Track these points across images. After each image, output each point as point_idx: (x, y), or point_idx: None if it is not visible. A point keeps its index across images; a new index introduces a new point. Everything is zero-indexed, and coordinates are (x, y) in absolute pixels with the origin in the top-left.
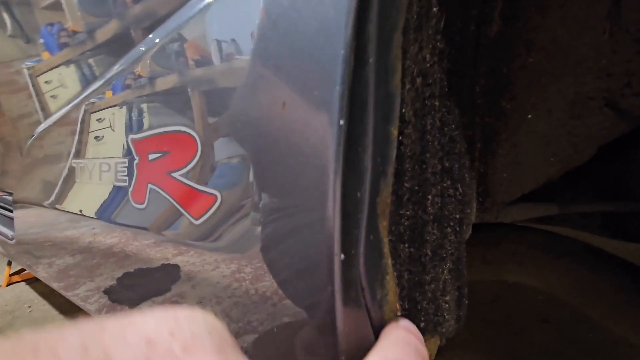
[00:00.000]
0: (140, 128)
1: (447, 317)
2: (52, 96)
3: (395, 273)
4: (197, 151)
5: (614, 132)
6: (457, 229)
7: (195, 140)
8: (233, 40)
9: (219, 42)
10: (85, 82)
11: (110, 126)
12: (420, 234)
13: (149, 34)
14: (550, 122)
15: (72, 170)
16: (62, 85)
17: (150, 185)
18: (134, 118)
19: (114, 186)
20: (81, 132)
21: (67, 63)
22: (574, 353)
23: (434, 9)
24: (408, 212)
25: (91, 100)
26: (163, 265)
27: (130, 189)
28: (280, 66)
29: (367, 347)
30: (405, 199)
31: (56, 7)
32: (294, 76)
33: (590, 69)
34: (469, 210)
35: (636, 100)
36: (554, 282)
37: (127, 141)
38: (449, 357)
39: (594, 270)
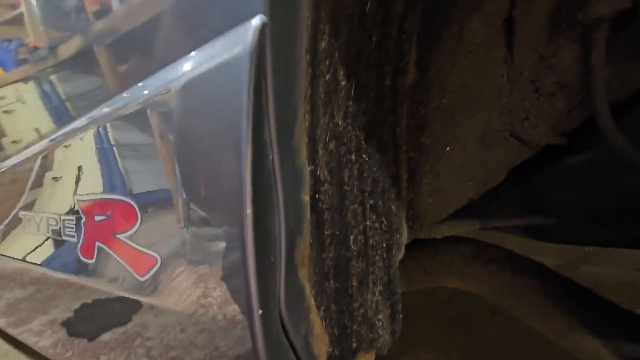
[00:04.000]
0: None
1: (381, 333)
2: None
3: (322, 307)
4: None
5: (519, 158)
6: (385, 255)
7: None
8: None
9: None
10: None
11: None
12: (345, 269)
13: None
14: (465, 153)
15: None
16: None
17: (97, 243)
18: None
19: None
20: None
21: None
22: (521, 341)
23: (342, 83)
24: (331, 254)
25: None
26: (123, 295)
27: (79, 245)
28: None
29: None
30: (326, 244)
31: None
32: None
33: (494, 107)
34: (397, 236)
35: (534, 132)
36: (483, 286)
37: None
38: (411, 356)
39: (514, 274)
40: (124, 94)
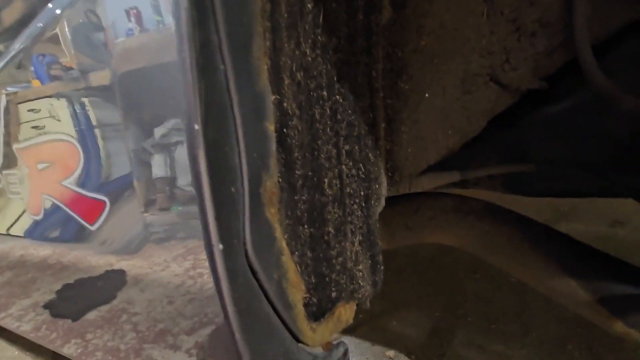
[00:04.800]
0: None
1: (362, 284)
2: None
3: (297, 252)
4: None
5: (500, 105)
6: (364, 204)
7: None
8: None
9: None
10: None
11: None
12: (320, 215)
13: None
14: (445, 99)
15: None
16: None
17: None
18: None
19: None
20: None
21: None
22: (500, 297)
23: (308, 5)
24: (304, 197)
25: None
26: (106, 272)
27: (26, 201)
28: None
29: (267, 320)
30: (298, 185)
31: None
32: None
33: (474, 49)
34: (376, 186)
35: (514, 75)
36: (464, 238)
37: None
38: (395, 317)
39: (494, 224)
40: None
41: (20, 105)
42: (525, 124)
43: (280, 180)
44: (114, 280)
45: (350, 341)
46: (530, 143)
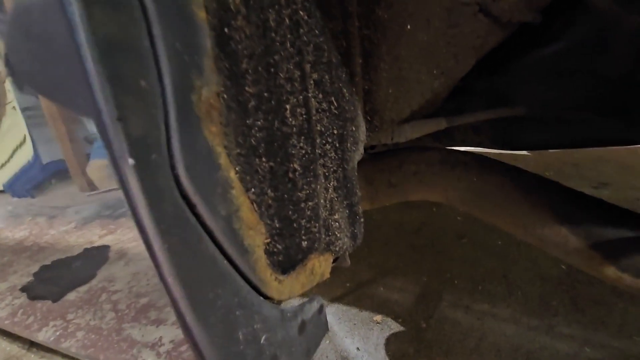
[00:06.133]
0: None
1: (339, 235)
2: None
3: (253, 190)
4: None
5: (489, 41)
6: (338, 145)
7: None
8: None
9: None
10: None
11: None
12: (282, 147)
13: None
14: (429, 32)
15: None
16: None
17: None
18: None
19: None
20: None
21: None
22: (486, 260)
23: None
24: (259, 122)
25: None
26: (86, 250)
27: None
28: None
29: (211, 263)
30: (250, 106)
31: None
32: None
33: None
34: (352, 128)
35: (505, 5)
36: (450, 193)
37: None
38: (382, 284)
39: (482, 175)
40: None
41: None
42: (516, 68)
43: (224, 95)
44: (95, 258)
45: (337, 309)
46: (522, 88)
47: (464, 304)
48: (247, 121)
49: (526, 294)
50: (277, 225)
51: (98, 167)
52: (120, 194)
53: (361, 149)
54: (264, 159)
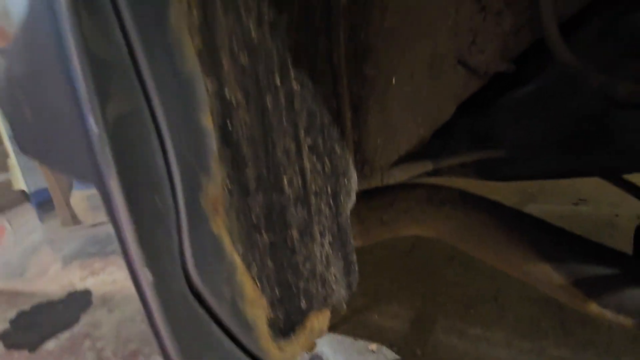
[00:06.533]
0: None
1: (335, 288)
2: None
3: (254, 264)
4: None
5: (468, 89)
6: (332, 202)
7: None
8: None
9: None
10: None
11: None
12: (281, 217)
13: None
14: (413, 84)
15: None
16: None
17: None
18: None
19: None
20: None
21: None
22: (477, 281)
23: None
24: (260, 200)
25: None
26: (69, 294)
27: None
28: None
29: (218, 348)
30: (252, 187)
31: None
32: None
33: (440, 30)
34: (345, 181)
35: (482, 57)
36: (439, 229)
37: None
38: (376, 311)
39: (468, 213)
40: None
41: None
42: (494, 109)
43: (228, 182)
44: (78, 302)
45: (332, 338)
46: (500, 128)
47: (457, 329)
48: (249, 200)
49: (517, 316)
50: (278, 293)
51: (81, 198)
52: (106, 229)
53: (353, 198)
54: (264, 233)
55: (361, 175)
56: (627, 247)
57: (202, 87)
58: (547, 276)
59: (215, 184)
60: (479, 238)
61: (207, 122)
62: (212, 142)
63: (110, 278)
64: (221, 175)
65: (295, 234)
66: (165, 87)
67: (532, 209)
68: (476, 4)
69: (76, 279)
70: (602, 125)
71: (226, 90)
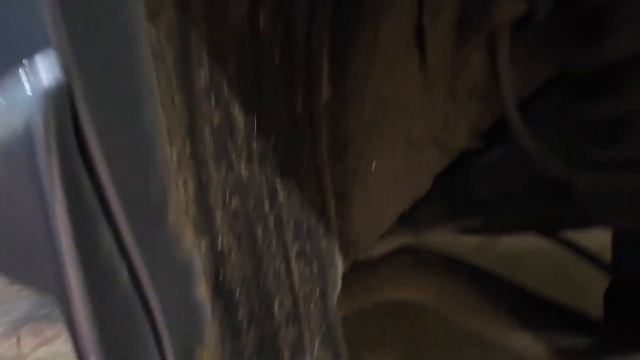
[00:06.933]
0: None
1: None
2: None
3: None
4: None
5: (442, 164)
6: (321, 302)
7: None
8: None
9: None
10: None
11: None
12: (272, 345)
13: None
14: (392, 165)
15: None
16: None
17: None
18: None
19: None
20: None
21: None
22: (472, 347)
23: (239, 124)
24: (251, 336)
25: None
26: None
27: None
28: None
29: None
30: (244, 328)
31: None
32: None
33: (415, 114)
34: (332, 274)
35: (453, 138)
36: (423, 294)
37: None
38: (363, 358)
39: (452, 279)
40: None
41: None
42: (465, 174)
43: (220, 332)
44: None
45: None
46: (472, 190)
47: None
48: (240, 342)
49: (503, 357)
50: None
51: None
52: None
53: (339, 284)
54: None
55: (346, 259)
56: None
57: (198, 264)
58: (529, 346)
59: (209, 348)
60: (462, 305)
61: (201, 293)
62: (207, 312)
63: (65, 348)
64: (214, 335)
65: (286, 354)
66: (159, 276)
67: (507, 242)
68: (446, 91)
69: (27, 348)
70: (562, 185)
71: (219, 242)
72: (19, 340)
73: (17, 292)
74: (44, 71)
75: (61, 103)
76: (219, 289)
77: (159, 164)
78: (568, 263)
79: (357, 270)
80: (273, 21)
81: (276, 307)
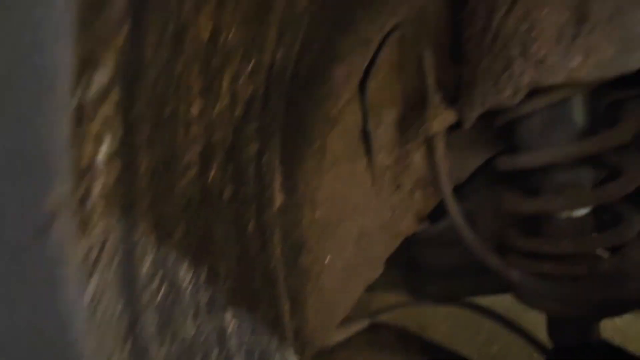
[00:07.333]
0: None
1: None
2: None
3: None
4: None
5: (392, 249)
6: None
7: None
8: None
9: None
10: None
11: None
12: None
13: None
14: (344, 259)
15: None
16: None
17: None
18: None
19: None
20: None
21: None
22: None
23: (184, 282)
24: None
25: None
26: None
27: None
28: None
29: None
30: None
31: None
32: None
33: (365, 210)
34: None
35: (401, 226)
36: None
37: None
38: None
39: (407, 355)
40: None
41: None
42: (416, 243)
43: None
44: None
45: None
46: (423, 258)
47: None
48: None
49: None
50: None
51: None
52: None
53: None
54: None
55: (303, 357)
56: None
57: None
58: None
59: None
60: None
61: None
62: None
63: None
64: None
65: None
66: None
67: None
68: (393, 185)
69: None
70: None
71: None
72: None
73: None
74: None
75: None
76: None
77: None
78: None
79: (313, 356)
80: (224, 167)
81: None
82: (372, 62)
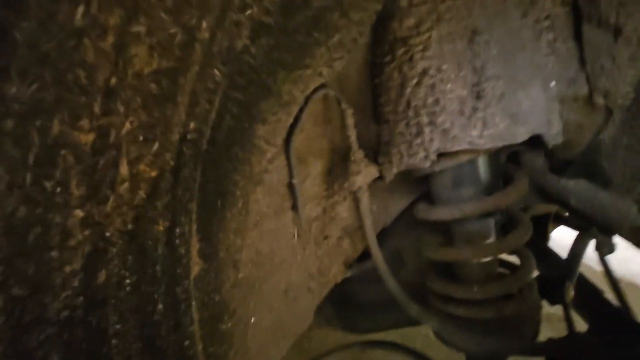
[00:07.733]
0: None
1: None
2: None
3: None
4: None
5: (321, 298)
6: None
7: None
8: None
9: None
10: None
11: None
12: None
13: None
14: (272, 314)
15: None
16: None
17: None
18: None
19: None
20: None
21: None
22: None
23: None
24: None
25: None
26: None
27: None
28: None
29: None
30: None
31: None
32: None
33: (291, 264)
34: None
35: (330, 274)
36: None
37: None
38: None
39: None
40: None
41: None
42: (346, 280)
43: None
44: None
45: None
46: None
47: None
48: None
49: None
50: None
51: None
52: None
53: None
54: None
55: None
56: None
57: None
58: None
59: None
60: None
61: None
62: None
63: None
64: None
65: None
66: None
67: None
68: (320, 235)
69: None
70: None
71: None
72: None
73: None
74: None
75: None
76: None
77: None
78: None
79: None
80: (121, 260)
81: None
82: (297, 118)
